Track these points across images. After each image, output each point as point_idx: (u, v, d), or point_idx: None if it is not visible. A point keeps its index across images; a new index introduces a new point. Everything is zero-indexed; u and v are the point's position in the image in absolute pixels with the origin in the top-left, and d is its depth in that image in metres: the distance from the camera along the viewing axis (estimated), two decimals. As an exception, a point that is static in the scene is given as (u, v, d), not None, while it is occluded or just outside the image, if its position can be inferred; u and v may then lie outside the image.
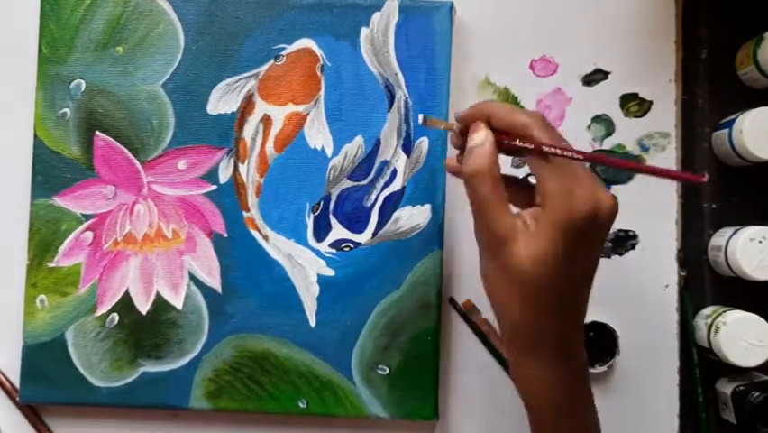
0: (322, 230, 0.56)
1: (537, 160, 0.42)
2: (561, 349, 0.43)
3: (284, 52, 0.56)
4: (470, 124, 0.44)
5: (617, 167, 0.40)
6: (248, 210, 0.56)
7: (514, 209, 0.43)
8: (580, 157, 0.41)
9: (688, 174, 0.40)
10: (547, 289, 0.41)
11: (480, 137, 0.43)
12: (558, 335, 0.43)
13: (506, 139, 0.43)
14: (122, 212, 0.56)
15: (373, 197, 0.56)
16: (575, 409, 0.44)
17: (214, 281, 0.55)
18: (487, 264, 0.43)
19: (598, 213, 0.41)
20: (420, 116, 0.47)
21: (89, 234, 0.56)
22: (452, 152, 0.51)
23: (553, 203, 0.41)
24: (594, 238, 0.42)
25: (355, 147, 0.56)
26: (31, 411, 0.57)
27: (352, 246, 0.56)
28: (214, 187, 0.56)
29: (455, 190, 0.57)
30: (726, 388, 0.55)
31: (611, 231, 0.57)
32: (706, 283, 0.58)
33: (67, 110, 0.56)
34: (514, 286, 0.42)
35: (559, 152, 0.41)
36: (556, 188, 0.41)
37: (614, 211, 0.42)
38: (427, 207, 0.55)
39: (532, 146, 0.42)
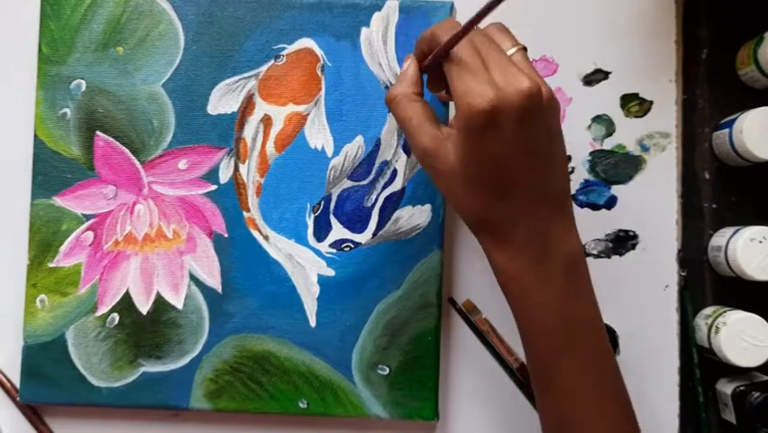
0: (322, 230, 0.56)
1: (446, 65, 0.43)
2: (522, 237, 0.44)
3: (284, 52, 0.56)
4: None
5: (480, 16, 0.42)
6: (248, 210, 0.56)
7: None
8: (453, 36, 0.42)
9: None
10: (483, 181, 0.43)
11: (405, 65, 0.47)
12: (507, 222, 0.44)
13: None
14: (122, 212, 0.56)
15: (373, 197, 0.56)
16: (549, 296, 0.44)
17: (215, 281, 0.55)
18: (429, 175, 0.46)
19: (504, 102, 0.41)
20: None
21: (90, 235, 0.56)
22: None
23: (457, 105, 0.42)
24: (513, 124, 0.41)
25: (355, 147, 0.56)
26: (31, 411, 0.57)
27: (352, 246, 0.56)
28: (214, 187, 0.56)
29: (455, 190, 0.57)
30: (727, 388, 0.55)
31: (611, 230, 0.57)
32: (706, 283, 0.58)
33: (67, 110, 0.56)
34: (454, 187, 0.44)
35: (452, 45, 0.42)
36: (457, 88, 0.42)
37: (528, 93, 0.41)
38: (427, 207, 0.55)
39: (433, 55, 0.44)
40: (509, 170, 0.43)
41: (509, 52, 0.43)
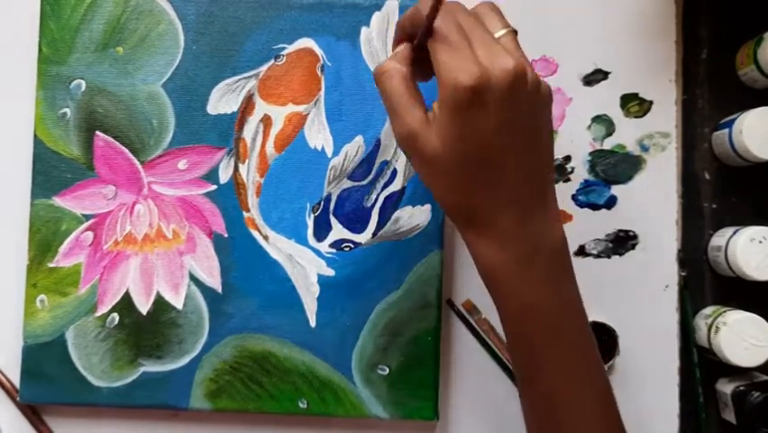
0: (322, 230, 0.56)
1: (431, 43, 0.42)
2: (506, 226, 0.42)
3: (284, 52, 0.56)
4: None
5: None
6: (248, 210, 0.56)
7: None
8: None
9: None
10: (466, 165, 0.42)
11: (397, 47, 0.45)
12: (492, 210, 0.43)
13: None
14: (122, 212, 0.56)
15: (373, 197, 0.56)
16: (540, 295, 0.43)
17: (215, 281, 0.55)
18: (412, 161, 0.44)
19: (489, 79, 0.40)
20: None
21: (89, 235, 0.56)
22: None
23: (440, 82, 0.41)
24: (497, 103, 0.40)
25: (355, 147, 0.56)
26: (31, 411, 0.57)
27: (352, 246, 0.56)
28: (214, 187, 0.56)
29: (455, 190, 0.57)
30: (727, 388, 0.55)
31: (611, 230, 0.57)
32: (706, 283, 0.58)
33: (67, 110, 0.56)
34: (437, 173, 0.43)
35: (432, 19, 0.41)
36: (441, 65, 0.41)
37: (513, 72, 0.40)
38: (427, 207, 0.55)
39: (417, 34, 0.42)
40: (493, 152, 0.41)
41: (498, 34, 0.42)
